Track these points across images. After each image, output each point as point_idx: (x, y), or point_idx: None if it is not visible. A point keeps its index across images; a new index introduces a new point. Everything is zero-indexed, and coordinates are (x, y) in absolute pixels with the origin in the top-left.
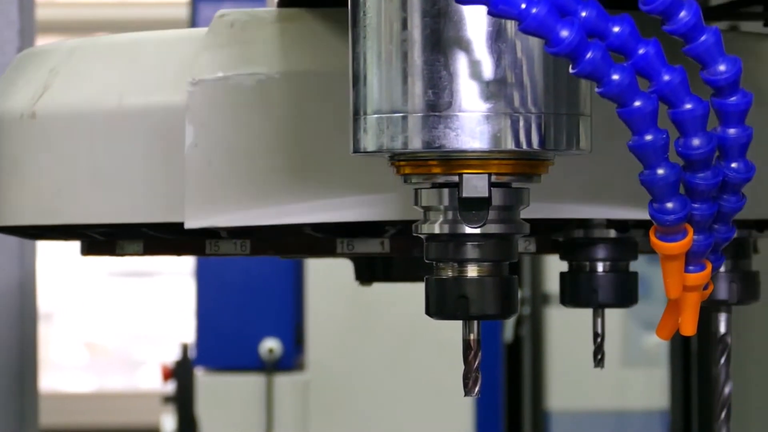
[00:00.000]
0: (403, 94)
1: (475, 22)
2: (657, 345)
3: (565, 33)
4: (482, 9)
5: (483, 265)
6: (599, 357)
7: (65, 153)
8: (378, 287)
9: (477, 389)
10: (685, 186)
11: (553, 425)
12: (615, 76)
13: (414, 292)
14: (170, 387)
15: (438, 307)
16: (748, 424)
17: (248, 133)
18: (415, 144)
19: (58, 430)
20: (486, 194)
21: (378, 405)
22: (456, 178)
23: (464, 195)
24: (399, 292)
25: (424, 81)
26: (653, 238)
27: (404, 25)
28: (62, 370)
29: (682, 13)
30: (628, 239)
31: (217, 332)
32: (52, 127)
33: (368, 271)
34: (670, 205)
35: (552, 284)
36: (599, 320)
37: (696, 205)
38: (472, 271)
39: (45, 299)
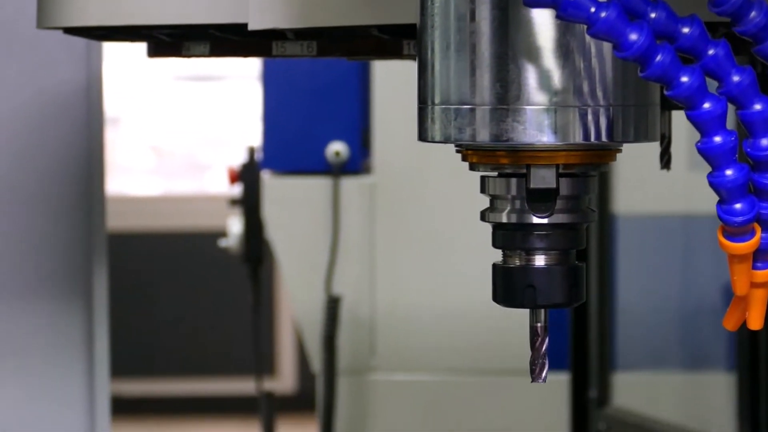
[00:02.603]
0: (471, 86)
1: (543, 15)
2: None
3: (634, 36)
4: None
5: (550, 254)
6: (666, 159)
7: None
8: None
9: (544, 375)
10: (753, 186)
11: (619, 228)
12: (684, 79)
13: None
14: (237, 190)
15: (505, 295)
16: None
17: None
18: (483, 136)
19: (126, 233)
20: (554, 185)
21: (444, 208)
22: (524, 169)
23: (532, 186)
24: None
25: (492, 74)
26: (721, 238)
27: (472, 16)
28: (129, 173)
29: (753, 14)
30: None
31: (283, 135)
32: None
33: None
34: (738, 206)
35: None
36: (666, 122)
37: (764, 205)
38: (539, 260)
39: (112, 104)
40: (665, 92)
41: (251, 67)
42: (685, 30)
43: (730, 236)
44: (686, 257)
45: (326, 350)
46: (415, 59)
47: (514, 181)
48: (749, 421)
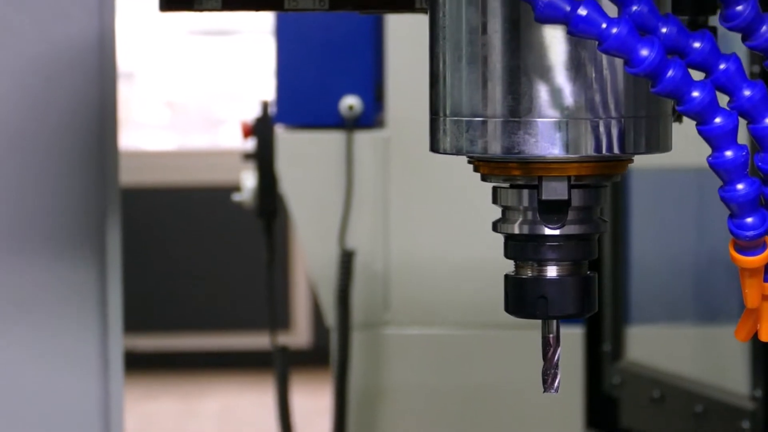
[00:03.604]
0: (482, 98)
1: (555, 28)
2: None
3: (645, 52)
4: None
5: (562, 265)
6: (678, 112)
7: None
8: None
9: (556, 385)
10: (765, 200)
11: (633, 182)
12: (695, 94)
13: None
14: (250, 144)
15: (517, 306)
16: None
17: None
18: (495, 149)
19: (140, 188)
20: (565, 197)
21: (457, 162)
22: (535, 180)
23: (544, 197)
24: None
25: (503, 86)
26: (732, 252)
27: (484, 29)
28: (144, 128)
29: (764, 28)
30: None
31: (297, 90)
32: None
33: None
34: (749, 220)
35: None
36: None
37: None
38: (551, 271)
39: (126, 59)
40: (676, 107)
41: (264, 21)
42: (696, 45)
43: (742, 250)
44: (700, 210)
45: (340, 304)
46: (426, 12)
47: (525, 192)
48: (763, 375)
